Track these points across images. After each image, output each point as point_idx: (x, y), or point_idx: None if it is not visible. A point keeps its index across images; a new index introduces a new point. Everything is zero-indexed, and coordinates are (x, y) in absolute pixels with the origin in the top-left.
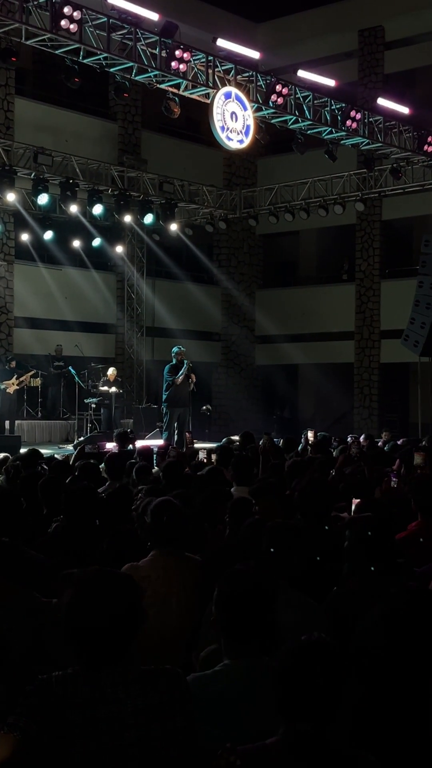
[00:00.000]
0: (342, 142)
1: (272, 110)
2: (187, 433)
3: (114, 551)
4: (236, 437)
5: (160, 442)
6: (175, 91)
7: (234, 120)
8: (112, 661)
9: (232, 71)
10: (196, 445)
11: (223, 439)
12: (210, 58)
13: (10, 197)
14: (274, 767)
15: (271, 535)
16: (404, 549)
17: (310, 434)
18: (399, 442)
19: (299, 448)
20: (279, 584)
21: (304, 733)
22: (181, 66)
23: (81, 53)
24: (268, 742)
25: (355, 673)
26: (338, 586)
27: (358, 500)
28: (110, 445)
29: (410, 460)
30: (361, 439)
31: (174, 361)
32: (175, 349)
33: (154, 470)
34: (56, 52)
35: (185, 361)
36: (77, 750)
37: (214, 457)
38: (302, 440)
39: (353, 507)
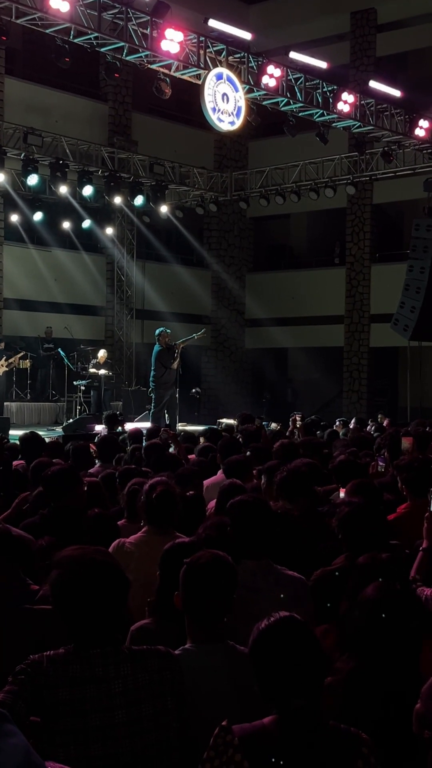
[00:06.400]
0: (333, 124)
1: (263, 92)
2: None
3: (96, 534)
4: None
5: (149, 424)
6: (166, 71)
7: (225, 101)
8: (102, 638)
9: (224, 52)
10: (184, 428)
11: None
12: (201, 38)
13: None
14: (272, 745)
15: (230, 512)
16: (394, 531)
17: (298, 417)
18: (384, 424)
19: (287, 431)
20: (264, 563)
21: (299, 710)
22: (172, 46)
23: (71, 33)
24: (264, 720)
25: (348, 649)
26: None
27: (349, 484)
28: (99, 428)
29: (397, 444)
30: (351, 423)
31: (158, 345)
32: (158, 331)
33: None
34: (46, 31)
35: (175, 344)
36: (66, 728)
37: (202, 440)
38: (290, 424)
39: (341, 491)
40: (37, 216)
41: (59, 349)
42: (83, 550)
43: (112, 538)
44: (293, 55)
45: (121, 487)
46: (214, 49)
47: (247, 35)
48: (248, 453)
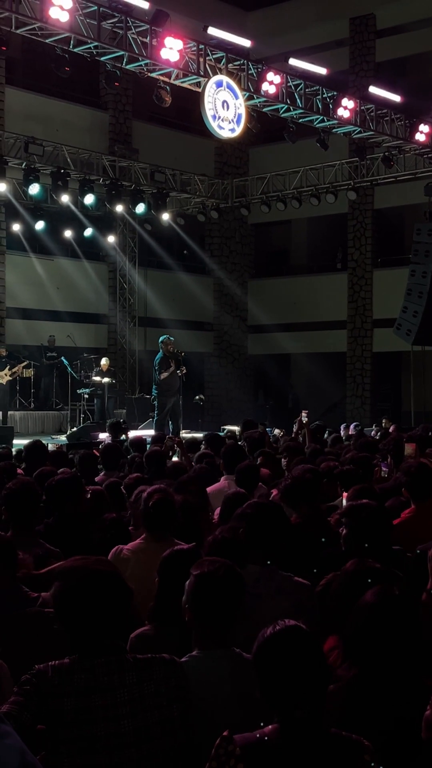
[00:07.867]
0: (334, 130)
1: (263, 99)
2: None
3: (104, 541)
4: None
5: (153, 432)
6: (166, 80)
7: (225, 109)
8: (105, 648)
9: (223, 60)
10: (191, 435)
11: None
12: (201, 46)
13: (1, 187)
14: (273, 755)
15: (246, 513)
16: (398, 536)
17: (304, 414)
18: (390, 430)
19: (293, 429)
20: (269, 569)
21: (301, 720)
22: (172, 55)
23: (71, 42)
24: (266, 729)
25: (350, 656)
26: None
27: (351, 489)
28: (103, 436)
29: (400, 449)
30: (351, 428)
31: (161, 353)
32: (162, 339)
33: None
34: (46, 41)
35: (176, 351)
36: (71, 737)
37: (202, 446)
38: (296, 423)
39: (344, 497)
40: (39, 225)
41: (62, 358)
42: (85, 561)
43: (126, 543)
44: (293, 61)
45: (128, 494)
46: (214, 56)
47: (246, 42)
48: (260, 458)
